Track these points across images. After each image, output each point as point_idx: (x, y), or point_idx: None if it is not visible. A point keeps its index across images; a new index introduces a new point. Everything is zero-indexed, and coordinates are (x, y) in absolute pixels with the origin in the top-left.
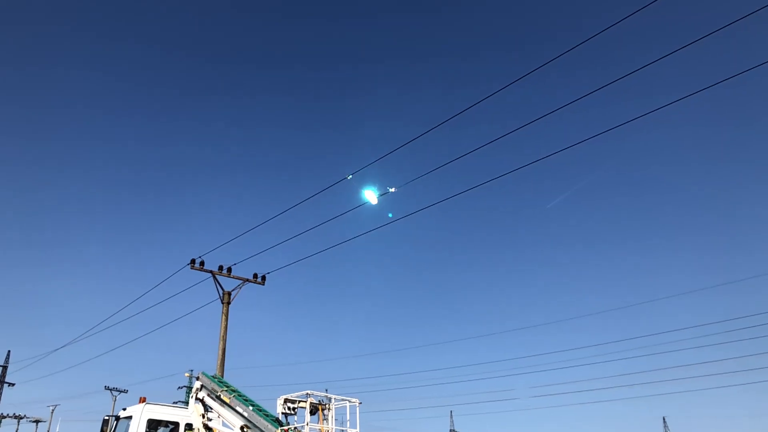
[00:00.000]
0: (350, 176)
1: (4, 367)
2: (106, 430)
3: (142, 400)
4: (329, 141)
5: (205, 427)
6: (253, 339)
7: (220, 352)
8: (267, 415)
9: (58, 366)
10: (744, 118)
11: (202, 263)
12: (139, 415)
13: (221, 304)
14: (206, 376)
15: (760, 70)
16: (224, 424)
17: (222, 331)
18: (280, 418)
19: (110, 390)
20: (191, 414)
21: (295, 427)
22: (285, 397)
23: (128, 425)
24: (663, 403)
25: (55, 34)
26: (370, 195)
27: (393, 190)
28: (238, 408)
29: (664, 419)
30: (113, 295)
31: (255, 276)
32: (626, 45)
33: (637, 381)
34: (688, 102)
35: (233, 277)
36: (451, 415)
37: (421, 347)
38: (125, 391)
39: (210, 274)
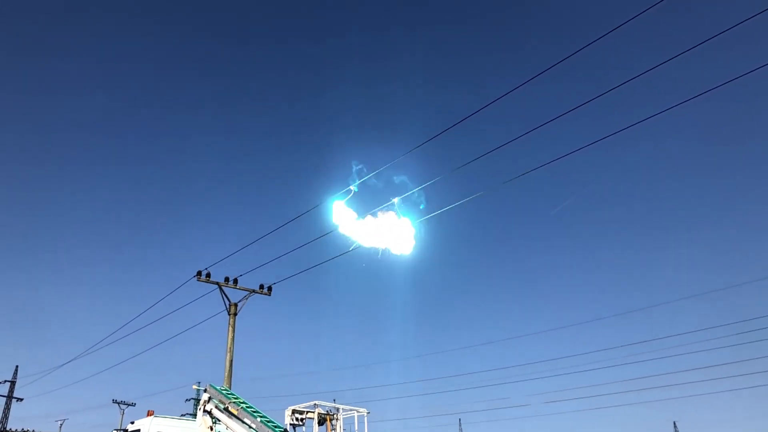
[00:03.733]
0: (355, 186)
1: (12, 383)
2: None
3: (150, 413)
4: (336, 149)
5: None
6: (261, 350)
7: (228, 364)
8: (276, 427)
9: (66, 380)
10: (744, 123)
11: (208, 275)
12: (147, 428)
13: (228, 316)
14: (214, 387)
15: (761, 74)
16: None
17: (229, 343)
18: (288, 429)
19: (118, 403)
20: (199, 426)
21: None
22: (293, 407)
23: None
24: (673, 407)
25: (65, 43)
26: (399, 238)
27: (396, 200)
28: (246, 419)
29: (674, 423)
30: (120, 308)
31: (261, 287)
32: (632, 48)
33: (647, 385)
34: (690, 106)
35: (239, 289)
36: (460, 423)
37: (429, 355)
38: (133, 405)
39: (216, 286)
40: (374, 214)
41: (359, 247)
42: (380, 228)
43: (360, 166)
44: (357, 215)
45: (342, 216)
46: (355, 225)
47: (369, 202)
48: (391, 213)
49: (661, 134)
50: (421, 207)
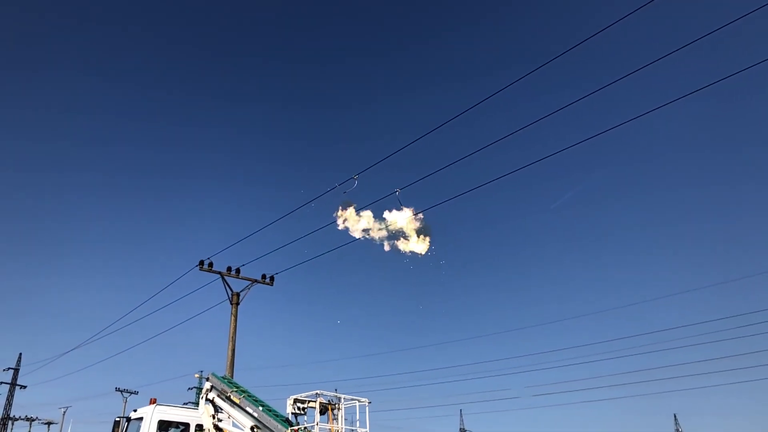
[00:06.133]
0: (356, 176)
1: (16, 370)
2: (117, 431)
3: (153, 401)
4: (336, 142)
5: (216, 427)
6: (263, 339)
7: (230, 353)
8: (277, 416)
9: (70, 368)
10: (741, 118)
11: (210, 264)
12: (150, 416)
13: (230, 305)
14: (216, 376)
15: (760, 69)
16: (234, 425)
17: (231, 332)
18: (289, 419)
19: (121, 391)
20: (201, 415)
21: (305, 427)
22: (294, 397)
23: (139, 426)
24: (674, 401)
25: (58, 37)
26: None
27: (398, 192)
28: (248, 408)
29: (675, 416)
30: (123, 297)
31: (263, 277)
32: (631, 42)
33: (648, 378)
34: (687, 101)
35: (242, 278)
36: (461, 413)
37: (431, 346)
38: (136, 393)
39: (219, 276)
40: (375, 208)
41: (358, 239)
42: (381, 221)
43: (361, 161)
44: (359, 207)
45: (343, 209)
46: (356, 217)
47: (370, 195)
48: (393, 207)
49: (658, 132)
50: (420, 202)
